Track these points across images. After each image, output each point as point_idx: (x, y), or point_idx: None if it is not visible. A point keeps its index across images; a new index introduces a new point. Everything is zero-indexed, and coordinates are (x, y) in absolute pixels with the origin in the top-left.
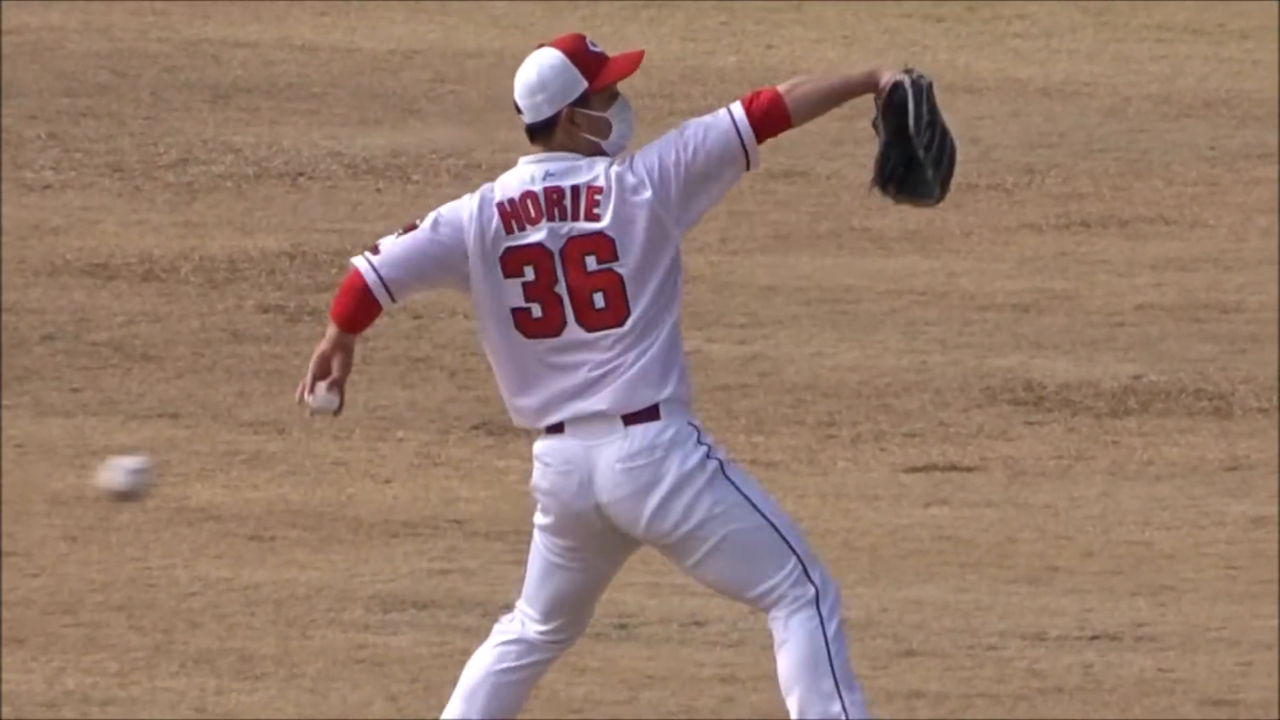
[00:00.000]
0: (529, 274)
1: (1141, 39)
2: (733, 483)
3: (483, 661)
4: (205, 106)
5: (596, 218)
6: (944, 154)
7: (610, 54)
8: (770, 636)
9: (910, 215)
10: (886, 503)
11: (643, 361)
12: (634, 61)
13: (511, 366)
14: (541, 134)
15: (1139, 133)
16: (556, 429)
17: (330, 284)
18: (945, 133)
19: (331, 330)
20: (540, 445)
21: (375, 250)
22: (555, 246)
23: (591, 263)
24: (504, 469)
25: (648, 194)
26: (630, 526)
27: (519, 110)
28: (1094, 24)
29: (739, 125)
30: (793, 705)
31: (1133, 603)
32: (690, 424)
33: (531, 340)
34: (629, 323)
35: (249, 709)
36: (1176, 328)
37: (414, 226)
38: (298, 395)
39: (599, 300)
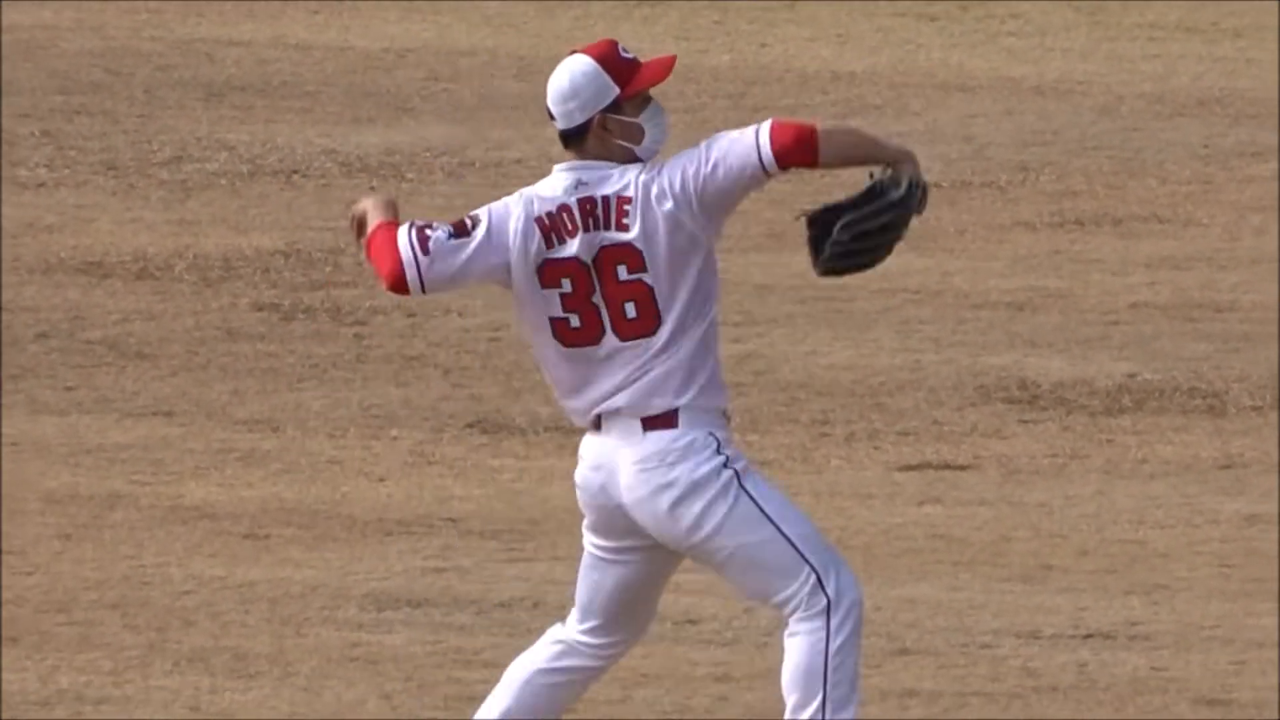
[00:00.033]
0: (566, 285)
1: (1135, 38)
2: (749, 494)
3: (526, 658)
4: (199, 105)
5: (625, 228)
6: (851, 256)
7: (643, 60)
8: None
9: None
10: (880, 501)
11: (666, 367)
12: (666, 67)
13: (555, 370)
14: (575, 141)
15: (1133, 131)
16: (596, 426)
17: (325, 282)
18: (877, 248)
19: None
20: (582, 442)
21: (424, 243)
22: (590, 257)
23: (623, 272)
24: (498, 467)
25: (670, 204)
26: (650, 529)
27: (552, 117)
28: (1087, 23)
29: (761, 150)
30: (786, 713)
31: (1127, 601)
32: (711, 434)
33: (571, 349)
34: (661, 331)
35: (243, 707)
36: (1170, 326)
37: (464, 228)
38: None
39: (630, 310)
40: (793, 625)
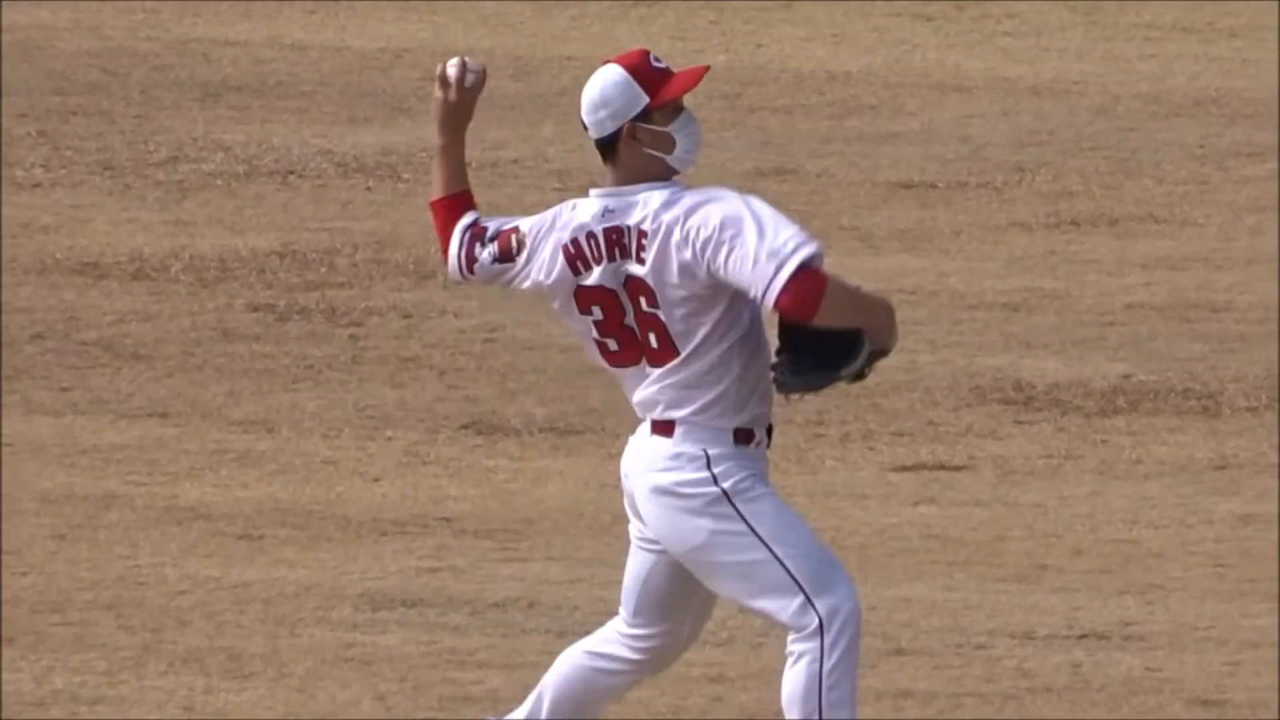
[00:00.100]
0: (598, 313)
1: (1131, 38)
2: (739, 513)
3: (579, 642)
4: (195, 105)
5: (642, 261)
6: (808, 379)
7: (675, 69)
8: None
9: (899, 215)
10: (875, 502)
11: (674, 380)
12: (696, 76)
13: (612, 376)
14: (607, 151)
15: (1129, 131)
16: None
17: (320, 282)
18: (827, 379)
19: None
20: None
21: (470, 263)
22: (617, 284)
23: (644, 304)
24: (493, 468)
25: (688, 254)
26: (650, 532)
27: (585, 127)
28: (1083, 23)
29: (766, 294)
30: None
31: (1121, 601)
32: (705, 450)
33: (615, 368)
34: (681, 358)
35: (237, 708)
36: (1166, 327)
37: (509, 250)
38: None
39: (653, 340)
40: (789, 645)
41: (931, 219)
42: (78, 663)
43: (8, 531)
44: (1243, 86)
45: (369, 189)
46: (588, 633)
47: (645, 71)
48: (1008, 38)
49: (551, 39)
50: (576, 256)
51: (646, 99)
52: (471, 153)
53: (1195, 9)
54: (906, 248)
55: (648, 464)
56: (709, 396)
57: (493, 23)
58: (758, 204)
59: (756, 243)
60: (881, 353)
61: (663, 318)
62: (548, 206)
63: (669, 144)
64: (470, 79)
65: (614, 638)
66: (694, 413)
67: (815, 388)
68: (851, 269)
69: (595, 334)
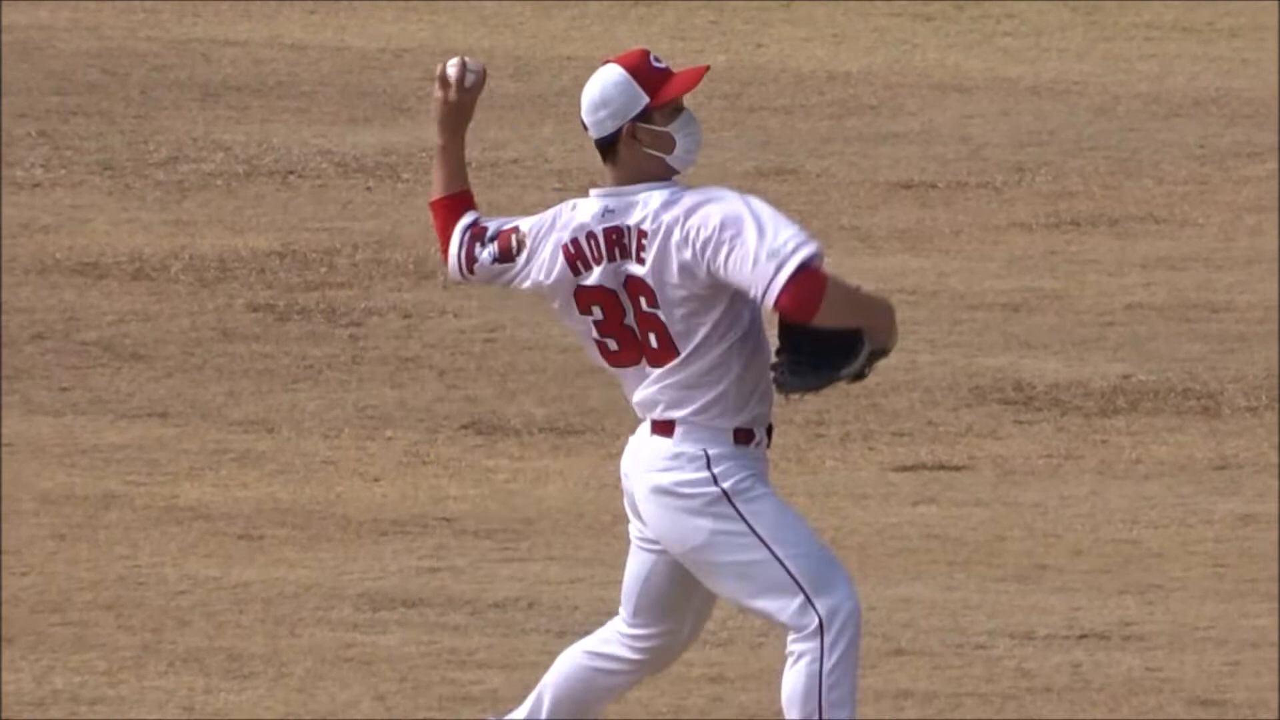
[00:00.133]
0: (598, 313)
1: (1131, 38)
2: (739, 513)
3: (580, 641)
4: (195, 105)
5: (642, 261)
6: (808, 379)
7: (676, 70)
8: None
9: (899, 215)
10: (875, 501)
11: (674, 380)
12: (696, 77)
13: (612, 375)
14: (607, 151)
15: (1129, 131)
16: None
17: (320, 282)
18: (827, 380)
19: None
20: None
21: (470, 263)
22: (617, 284)
23: (644, 304)
24: (492, 468)
25: (688, 255)
26: (649, 531)
27: (585, 127)
28: (1083, 23)
29: (767, 293)
30: None
31: (1121, 601)
32: (704, 450)
33: (615, 368)
34: (681, 358)
35: (237, 708)
36: (1166, 327)
37: (509, 251)
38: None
39: (653, 340)
40: (789, 645)
41: (931, 219)
42: (78, 663)
43: (7, 531)
44: (1242, 86)
45: (369, 189)
46: (587, 633)
47: (645, 71)
48: (1008, 38)
49: (551, 39)
50: (576, 256)
51: (646, 99)
52: (471, 153)
53: (1195, 9)
54: (906, 248)
55: (648, 464)
56: (709, 396)
57: (493, 23)
58: (758, 204)
59: (757, 242)
60: (882, 352)
61: (663, 318)
62: (548, 207)
63: (669, 144)
64: (470, 79)
65: (614, 638)
66: (694, 413)
67: (815, 388)
68: (851, 269)
69: (595, 334)
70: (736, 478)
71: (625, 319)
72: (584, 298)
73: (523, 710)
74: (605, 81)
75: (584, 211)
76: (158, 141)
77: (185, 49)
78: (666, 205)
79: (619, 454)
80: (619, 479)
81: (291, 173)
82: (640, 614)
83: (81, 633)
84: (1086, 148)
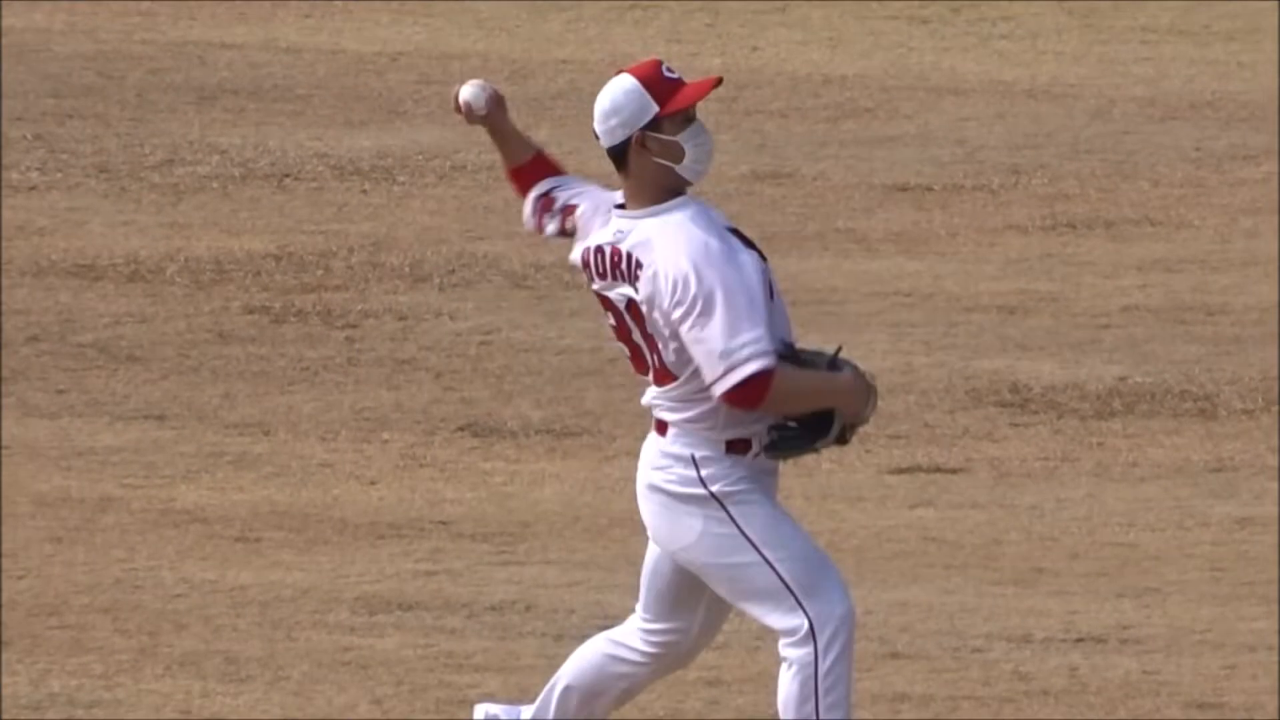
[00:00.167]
0: (611, 319)
1: (1127, 41)
2: (729, 514)
3: (606, 630)
4: (191, 108)
5: (637, 289)
6: (790, 448)
7: (689, 80)
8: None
9: (895, 217)
10: (872, 504)
11: (674, 394)
12: (706, 87)
13: None
14: (619, 160)
15: (1125, 134)
16: None
17: (316, 285)
18: (807, 449)
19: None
20: None
21: (540, 225)
22: (621, 304)
23: (645, 326)
24: (489, 470)
25: (659, 310)
26: (647, 527)
27: (597, 137)
28: (1079, 26)
29: (715, 386)
30: None
31: (1118, 604)
32: (694, 455)
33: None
34: (679, 381)
35: (234, 711)
36: (1162, 329)
37: (566, 230)
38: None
39: (655, 360)
40: (781, 650)
41: (927, 221)
42: (74, 666)
43: (4, 534)
44: (1238, 89)
45: (365, 192)
46: (584, 635)
47: (657, 81)
48: (1004, 41)
49: (547, 42)
50: (591, 265)
51: (656, 108)
52: (467, 155)
53: (1191, 12)
54: (902, 250)
55: (646, 461)
56: (701, 410)
57: (488, 26)
58: (734, 282)
59: (717, 335)
60: (859, 422)
61: (659, 344)
62: None
63: (678, 153)
64: (479, 109)
65: (631, 629)
66: (687, 420)
67: (797, 454)
68: (847, 271)
69: (612, 336)
70: (725, 480)
71: (632, 335)
72: (601, 301)
73: (539, 702)
74: (616, 90)
75: (610, 224)
76: (153, 144)
77: (181, 52)
78: (659, 244)
79: (615, 456)
80: (615, 482)
81: (287, 175)
82: (650, 608)
83: (78, 636)
84: (1082, 150)
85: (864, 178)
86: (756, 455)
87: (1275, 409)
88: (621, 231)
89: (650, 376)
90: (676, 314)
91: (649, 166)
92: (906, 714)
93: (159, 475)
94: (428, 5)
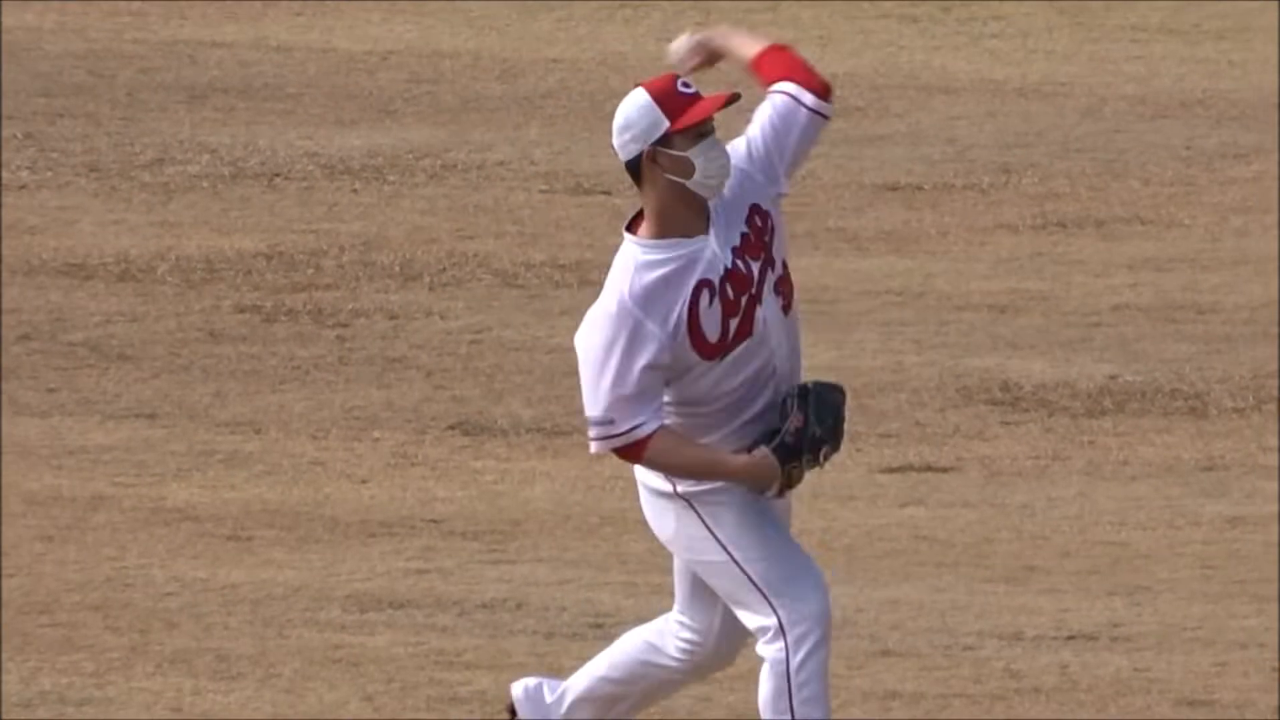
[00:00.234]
0: None
1: (1117, 39)
2: (699, 515)
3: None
4: (181, 107)
5: None
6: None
7: (706, 93)
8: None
9: (886, 216)
10: (863, 503)
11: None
12: (717, 103)
13: None
14: (634, 175)
15: (1115, 133)
16: None
17: (307, 284)
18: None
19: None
20: None
21: None
22: None
23: None
24: (480, 469)
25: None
26: None
27: (615, 151)
28: (1070, 24)
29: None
30: None
31: (1109, 602)
32: None
33: None
34: None
35: (225, 709)
36: (1152, 328)
37: None
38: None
39: None
40: (758, 651)
41: (918, 220)
42: (65, 664)
43: None
44: (1229, 88)
45: (355, 191)
46: (575, 634)
47: (670, 95)
48: (994, 39)
49: (537, 41)
50: None
51: (668, 123)
52: (457, 154)
53: (1181, 11)
54: (893, 249)
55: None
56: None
57: (479, 24)
58: (597, 359)
59: (584, 399)
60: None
61: None
62: (534, 210)
63: (688, 169)
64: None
65: (668, 625)
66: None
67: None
68: (838, 270)
69: None
70: (690, 482)
71: None
72: None
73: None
74: (630, 105)
75: None
76: (144, 143)
77: (171, 51)
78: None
79: (605, 456)
80: (606, 480)
81: (278, 174)
82: (680, 602)
83: (69, 634)
84: (1073, 149)
85: (854, 176)
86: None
87: (1266, 408)
88: None
89: None
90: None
91: (661, 181)
92: (897, 712)
93: (150, 474)
94: (418, 4)
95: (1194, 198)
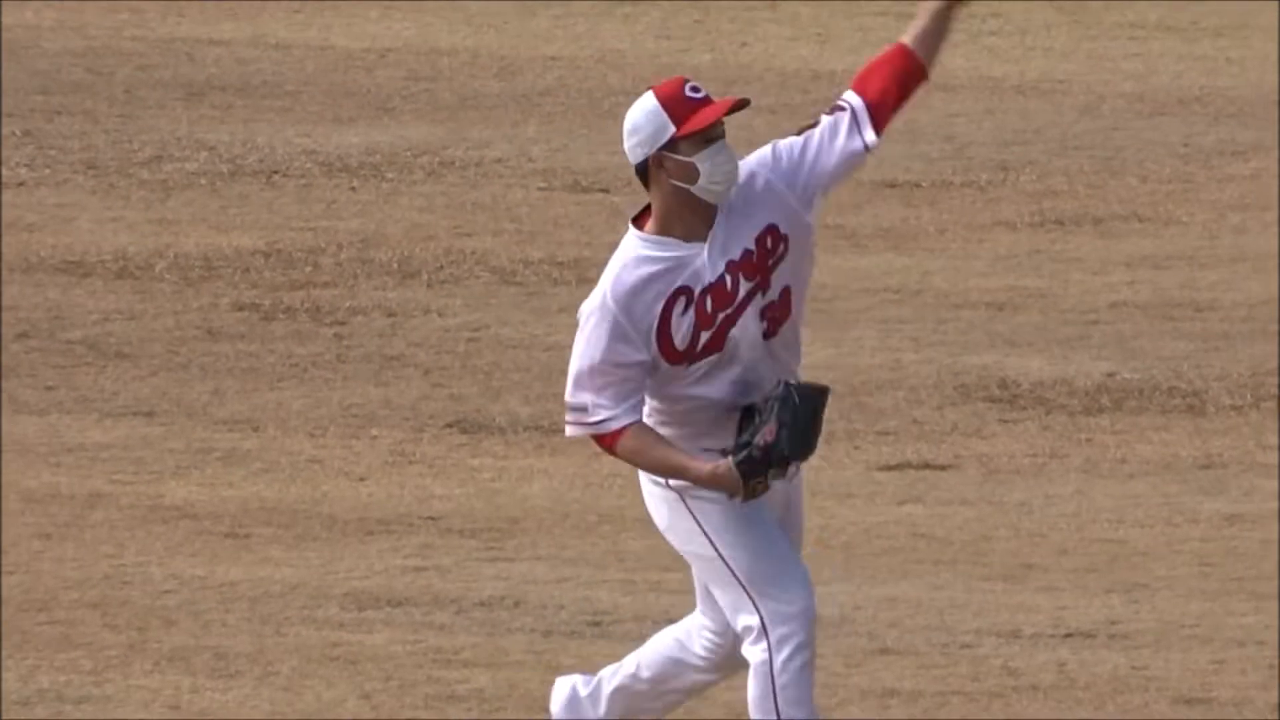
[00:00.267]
0: None
1: (1115, 37)
2: (688, 508)
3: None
4: (179, 104)
5: None
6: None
7: (716, 98)
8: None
9: (884, 213)
10: (861, 501)
11: None
12: (722, 108)
13: None
14: (642, 177)
15: (1113, 130)
16: None
17: (305, 281)
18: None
19: None
20: None
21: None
22: None
23: None
24: (477, 467)
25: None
26: None
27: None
28: (1068, 22)
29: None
30: None
31: (1106, 600)
32: None
33: None
34: None
35: (223, 707)
36: (1150, 325)
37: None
38: None
39: None
40: (743, 651)
41: (916, 218)
42: (63, 662)
43: None
44: (1226, 85)
45: (353, 188)
46: (573, 632)
47: (677, 100)
48: (993, 37)
49: (535, 38)
50: None
51: (674, 128)
52: (455, 152)
53: (1179, 8)
54: (891, 246)
55: None
56: (655, 421)
57: (477, 22)
58: (580, 347)
59: (567, 384)
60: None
61: None
62: (532, 207)
63: (693, 174)
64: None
65: (695, 623)
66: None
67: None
68: (836, 268)
69: None
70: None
71: None
72: None
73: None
74: (638, 110)
75: None
76: (142, 141)
77: (170, 48)
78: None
79: (603, 453)
80: (604, 478)
81: (276, 172)
82: (698, 598)
83: (67, 632)
84: (1071, 146)
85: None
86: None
87: (1264, 405)
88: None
89: None
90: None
91: (666, 186)
92: (895, 709)
93: (148, 471)
94: (417, 2)
95: (1192, 195)
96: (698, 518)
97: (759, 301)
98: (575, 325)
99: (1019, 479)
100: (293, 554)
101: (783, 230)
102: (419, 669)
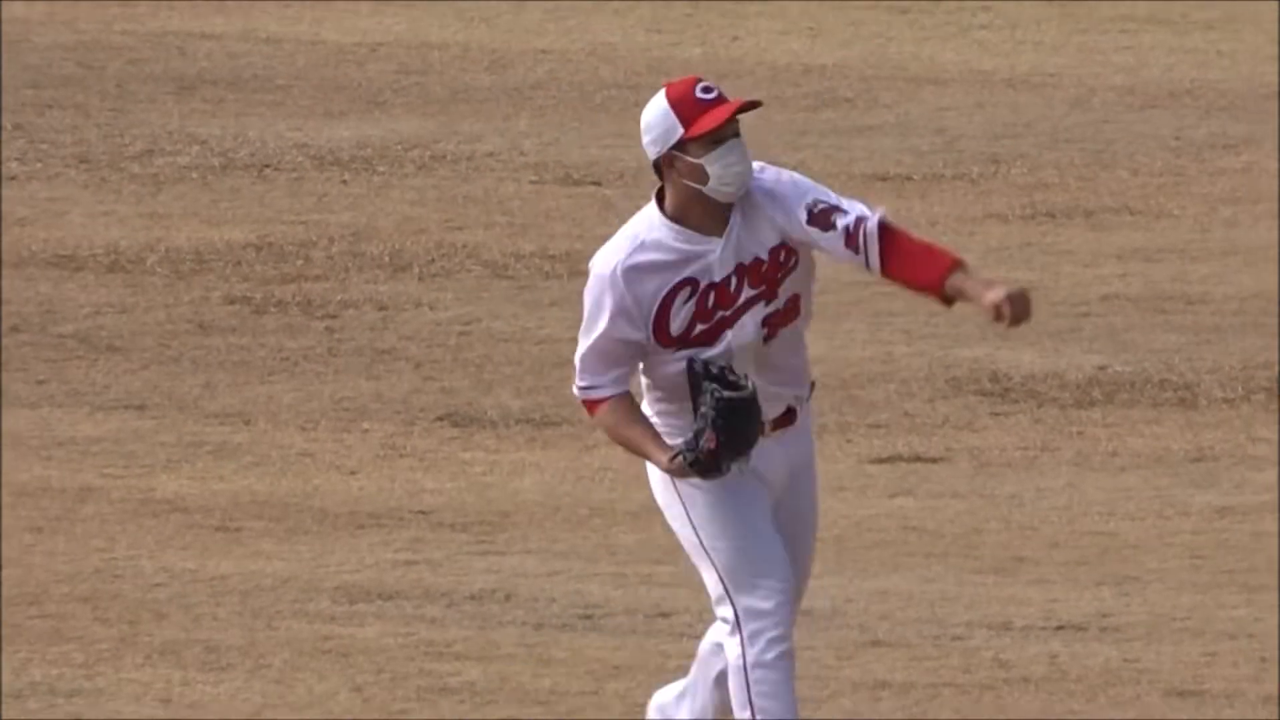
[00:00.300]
0: None
1: (1106, 30)
2: (677, 492)
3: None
4: (170, 98)
5: None
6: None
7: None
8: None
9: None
10: (852, 493)
11: None
12: (730, 109)
13: None
14: (658, 174)
15: (1104, 123)
16: None
17: (296, 275)
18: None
19: None
20: None
21: None
22: None
23: None
24: (469, 460)
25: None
26: None
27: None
28: (1059, 15)
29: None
30: None
31: (1098, 593)
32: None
33: None
34: None
35: (215, 700)
36: (1141, 318)
37: None
38: None
39: None
40: (721, 641)
41: (907, 210)
42: (55, 655)
43: None
44: (1218, 78)
45: (345, 182)
46: (564, 625)
47: (687, 101)
48: (983, 30)
49: (526, 32)
50: None
51: (682, 130)
52: (447, 146)
53: (1170, 2)
54: None
55: None
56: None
57: (468, 16)
58: (586, 310)
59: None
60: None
61: None
62: (523, 199)
63: (702, 176)
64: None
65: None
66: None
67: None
68: (827, 260)
69: None
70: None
71: None
72: None
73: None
74: (652, 108)
75: None
76: (133, 134)
77: (161, 42)
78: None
79: (595, 446)
80: (595, 471)
81: (267, 166)
82: None
83: (58, 625)
84: (1062, 140)
85: (843, 167)
86: (680, 453)
87: (1255, 398)
88: None
89: None
90: None
91: (678, 185)
92: (887, 701)
93: (139, 465)
94: None
95: (1183, 188)
96: (684, 502)
97: (761, 309)
98: (567, 319)
99: (1010, 472)
100: (284, 547)
101: (796, 250)
102: (410, 662)
